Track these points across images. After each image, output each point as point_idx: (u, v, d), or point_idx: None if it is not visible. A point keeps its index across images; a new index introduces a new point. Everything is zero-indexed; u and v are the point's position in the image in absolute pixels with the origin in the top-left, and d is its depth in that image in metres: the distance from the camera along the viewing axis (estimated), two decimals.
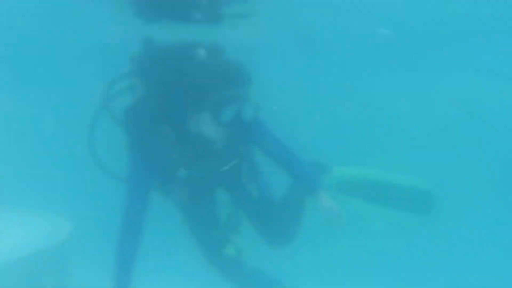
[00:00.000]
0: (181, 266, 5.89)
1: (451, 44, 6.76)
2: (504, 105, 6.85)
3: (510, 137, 6.68)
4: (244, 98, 3.34)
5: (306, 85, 7.18)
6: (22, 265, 4.25)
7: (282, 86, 6.49)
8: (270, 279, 4.20)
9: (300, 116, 6.80)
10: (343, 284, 5.77)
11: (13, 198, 5.95)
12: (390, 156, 6.94)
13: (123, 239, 3.41)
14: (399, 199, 4.17)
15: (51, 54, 7.17)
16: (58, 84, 7.33)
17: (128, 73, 3.61)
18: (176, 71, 3.31)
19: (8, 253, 4.28)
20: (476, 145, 6.95)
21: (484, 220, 6.69)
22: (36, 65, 7.26)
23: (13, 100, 7.69)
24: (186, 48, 3.43)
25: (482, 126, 6.96)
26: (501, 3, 5.83)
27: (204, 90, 3.26)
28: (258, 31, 6.27)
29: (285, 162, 3.75)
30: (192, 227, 3.92)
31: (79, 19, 6.23)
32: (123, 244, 3.41)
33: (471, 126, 6.98)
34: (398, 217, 4.23)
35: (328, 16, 6.27)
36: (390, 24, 6.41)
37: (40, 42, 7.02)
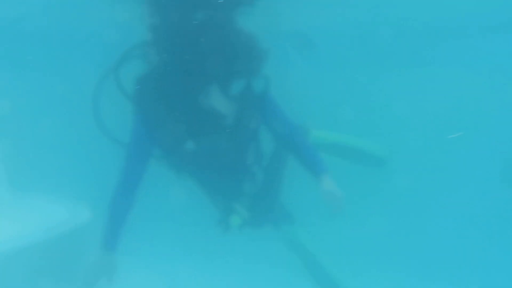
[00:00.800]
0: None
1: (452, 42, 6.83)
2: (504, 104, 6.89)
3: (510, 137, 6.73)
4: (255, 71, 3.34)
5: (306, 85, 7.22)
6: (33, 251, 4.24)
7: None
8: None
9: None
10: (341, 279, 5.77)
11: (31, 183, 5.94)
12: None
13: (115, 201, 3.49)
14: (359, 155, 4.53)
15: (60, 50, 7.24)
16: (77, 73, 7.33)
17: (143, 42, 3.58)
18: (190, 43, 3.28)
19: (21, 239, 4.28)
20: (477, 145, 6.99)
21: (484, 220, 6.71)
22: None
23: (37, 85, 7.71)
24: (201, 20, 3.36)
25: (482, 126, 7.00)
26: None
27: (216, 62, 3.26)
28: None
29: (292, 142, 3.74)
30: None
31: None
32: (115, 205, 3.49)
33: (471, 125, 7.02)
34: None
35: (326, 14, 6.33)
36: (389, 22, 6.47)
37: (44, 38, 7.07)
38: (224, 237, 4.01)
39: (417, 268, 6.14)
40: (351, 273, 5.80)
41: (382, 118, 7.18)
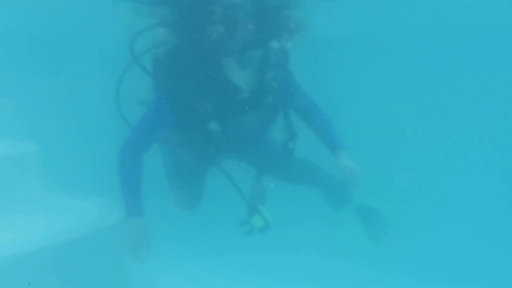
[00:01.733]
0: None
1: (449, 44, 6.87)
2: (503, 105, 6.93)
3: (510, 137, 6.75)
4: (273, 42, 3.24)
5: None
6: (62, 250, 4.09)
7: None
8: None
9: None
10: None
11: (65, 182, 5.80)
12: (389, 155, 7.03)
13: (123, 166, 3.45)
14: None
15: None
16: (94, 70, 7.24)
17: (153, 24, 3.53)
18: (203, 13, 3.22)
19: (49, 238, 4.13)
20: (477, 145, 7.01)
21: (484, 221, 6.70)
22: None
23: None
24: None
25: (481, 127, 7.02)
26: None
27: (231, 33, 3.17)
28: None
29: (312, 117, 3.73)
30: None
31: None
32: (123, 171, 3.45)
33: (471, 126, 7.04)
34: None
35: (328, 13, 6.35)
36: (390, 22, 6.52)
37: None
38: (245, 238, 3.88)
39: (416, 268, 6.10)
40: (351, 273, 5.80)
41: (382, 118, 7.20)
